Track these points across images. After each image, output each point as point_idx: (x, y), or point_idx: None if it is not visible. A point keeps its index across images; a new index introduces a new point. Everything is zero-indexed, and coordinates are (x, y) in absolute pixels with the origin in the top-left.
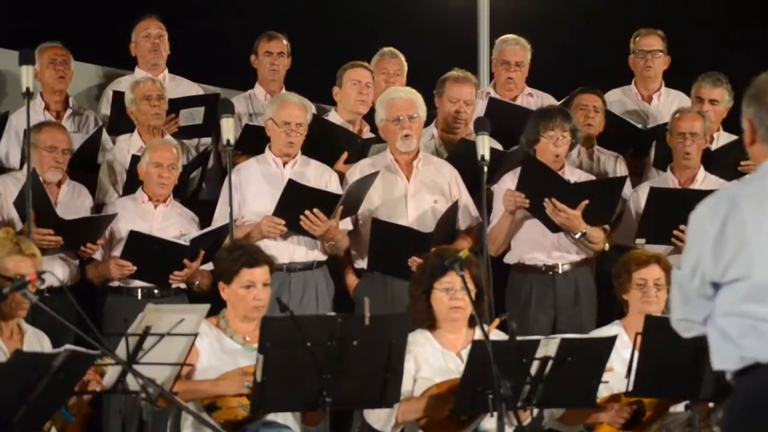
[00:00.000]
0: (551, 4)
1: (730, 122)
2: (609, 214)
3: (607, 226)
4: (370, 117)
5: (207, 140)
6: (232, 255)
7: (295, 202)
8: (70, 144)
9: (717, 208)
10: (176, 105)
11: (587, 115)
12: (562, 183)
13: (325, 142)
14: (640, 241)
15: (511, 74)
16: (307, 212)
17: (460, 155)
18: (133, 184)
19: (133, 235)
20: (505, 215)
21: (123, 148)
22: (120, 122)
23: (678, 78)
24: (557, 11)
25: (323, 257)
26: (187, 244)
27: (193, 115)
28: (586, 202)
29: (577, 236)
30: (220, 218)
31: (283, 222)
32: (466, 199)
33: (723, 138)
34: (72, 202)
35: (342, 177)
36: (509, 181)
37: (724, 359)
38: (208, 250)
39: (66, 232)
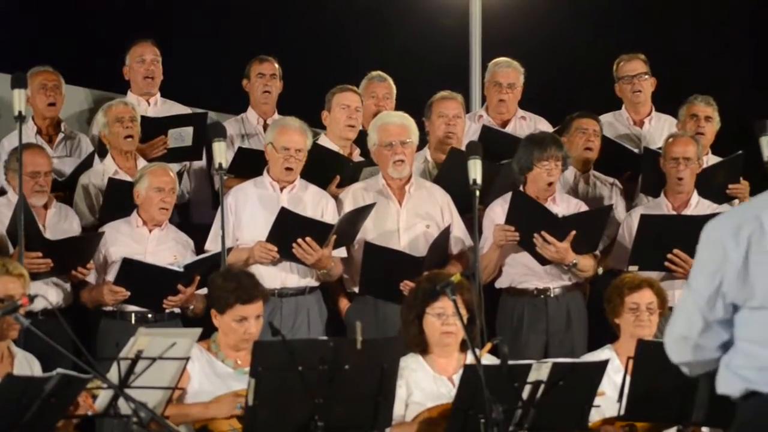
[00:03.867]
0: (543, 27)
1: (716, 146)
2: (596, 241)
3: (597, 252)
4: (359, 140)
5: (199, 164)
6: (226, 285)
7: (288, 230)
8: (51, 166)
9: (740, 229)
10: (163, 124)
11: (588, 139)
12: (550, 217)
13: (316, 166)
14: (633, 268)
15: (503, 96)
16: (299, 240)
17: (451, 166)
18: (110, 207)
19: (127, 263)
20: (493, 248)
21: (98, 172)
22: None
23: (663, 102)
24: (549, 35)
25: (316, 283)
26: (181, 269)
27: (183, 136)
28: (574, 233)
29: (567, 266)
30: (214, 242)
31: (276, 248)
32: (458, 223)
33: (712, 161)
34: (60, 224)
35: (335, 200)
36: (499, 208)
37: (726, 386)
38: (203, 276)
39: (54, 253)
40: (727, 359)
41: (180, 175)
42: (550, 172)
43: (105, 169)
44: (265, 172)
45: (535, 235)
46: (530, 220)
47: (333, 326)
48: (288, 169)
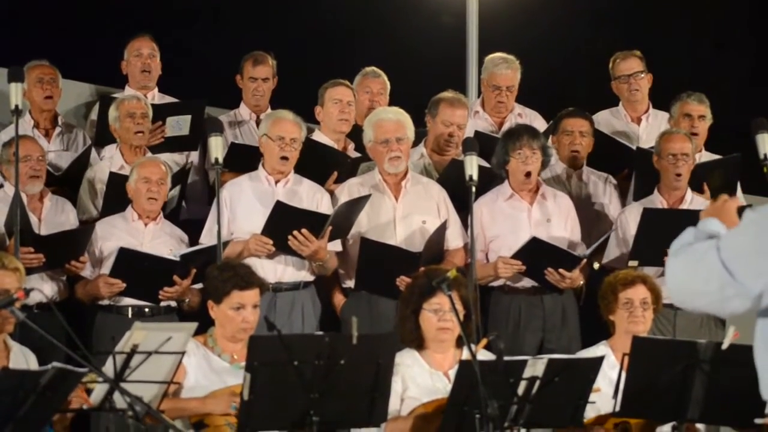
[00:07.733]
0: (540, 23)
1: (714, 143)
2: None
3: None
4: (354, 134)
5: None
6: (223, 275)
7: (283, 222)
8: (42, 152)
9: None
10: (161, 112)
11: (573, 141)
12: (569, 257)
13: (314, 163)
14: (633, 262)
15: (502, 98)
16: (295, 232)
17: (452, 176)
18: (111, 201)
19: (123, 252)
20: (491, 267)
21: (105, 166)
22: (107, 131)
23: (661, 99)
24: (546, 31)
25: (311, 277)
26: (177, 258)
27: (180, 125)
28: (585, 261)
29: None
30: (208, 236)
31: (271, 242)
32: (454, 219)
33: (705, 158)
34: (57, 217)
35: (331, 195)
36: (490, 198)
37: None
38: (199, 269)
39: (46, 248)
40: None
41: (185, 172)
42: (525, 161)
43: (111, 164)
44: (260, 166)
45: (550, 270)
46: (544, 259)
47: (327, 321)
48: (284, 158)
